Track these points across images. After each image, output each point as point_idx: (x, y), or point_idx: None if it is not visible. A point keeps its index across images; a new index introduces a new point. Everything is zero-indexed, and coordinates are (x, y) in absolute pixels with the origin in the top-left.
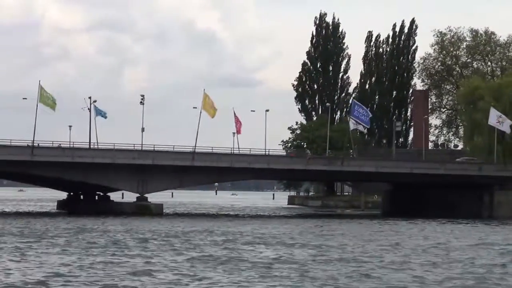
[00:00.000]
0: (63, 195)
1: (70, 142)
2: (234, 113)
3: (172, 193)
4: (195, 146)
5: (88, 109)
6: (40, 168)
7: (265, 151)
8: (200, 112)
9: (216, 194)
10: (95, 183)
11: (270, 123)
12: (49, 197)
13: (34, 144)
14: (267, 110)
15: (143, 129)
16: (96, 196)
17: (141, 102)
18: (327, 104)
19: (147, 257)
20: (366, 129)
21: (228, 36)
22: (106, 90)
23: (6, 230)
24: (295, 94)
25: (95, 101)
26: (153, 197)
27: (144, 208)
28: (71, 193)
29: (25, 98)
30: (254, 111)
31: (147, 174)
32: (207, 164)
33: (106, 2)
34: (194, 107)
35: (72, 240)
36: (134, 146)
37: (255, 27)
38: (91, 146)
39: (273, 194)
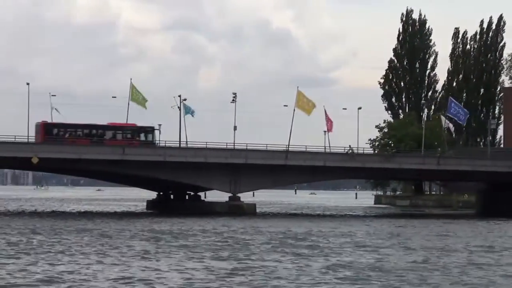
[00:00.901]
0: (143, 194)
1: (159, 140)
2: (325, 111)
3: (253, 192)
4: (289, 145)
5: (178, 107)
6: (132, 167)
7: (357, 150)
8: (294, 110)
9: (295, 193)
10: (187, 182)
11: (349, 121)
12: (133, 196)
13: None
14: (359, 108)
15: (235, 128)
16: (187, 196)
17: (233, 100)
18: (423, 101)
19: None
20: (454, 128)
21: (302, 35)
22: (181, 90)
23: (134, 232)
24: (371, 92)
25: (185, 99)
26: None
27: (237, 207)
28: (161, 193)
29: (114, 97)
30: (345, 109)
31: (240, 173)
32: (301, 163)
33: (181, 2)
34: (285, 105)
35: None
36: (226, 145)
37: (329, 26)
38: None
39: (356, 194)
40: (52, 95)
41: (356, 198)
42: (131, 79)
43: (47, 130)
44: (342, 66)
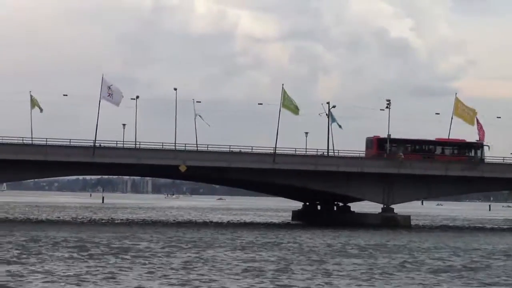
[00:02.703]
0: (269, 203)
1: (305, 149)
2: (477, 120)
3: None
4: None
5: (326, 114)
6: (282, 176)
7: None
8: (452, 118)
9: (422, 204)
10: (339, 193)
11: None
12: (264, 206)
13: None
14: None
15: (389, 136)
16: (335, 207)
17: (387, 106)
18: None
19: None
20: None
21: (421, 44)
22: (298, 98)
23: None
24: (494, 102)
25: (334, 107)
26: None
27: (391, 219)
28: (307, 203)
29: (260, 104)
30: (500, 117)
31: (394, 183)
32: (458, 174)
33: (299, 11)
34: (436, 113)
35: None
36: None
37: (448, 35)
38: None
39: (489, 206)
40: (197, 102)
41: (489, 210)
42: (283, 84)
43: (379, 145)
44: (460, 76)
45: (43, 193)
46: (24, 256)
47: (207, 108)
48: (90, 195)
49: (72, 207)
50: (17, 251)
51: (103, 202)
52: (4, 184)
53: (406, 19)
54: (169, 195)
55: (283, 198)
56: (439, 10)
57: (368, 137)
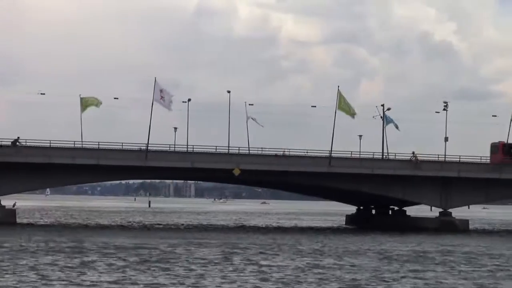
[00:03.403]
0: (315, 207)
1: (360, 152)
2: None
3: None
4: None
5: (381, 117)
6: (337, 180)
7: None
8: (511, 121)
9: (468, 208)
10: (395, 196)
11: None
12: (312, 210)
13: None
14: None
15: (446, 139)
16: (390, 211)
17: (444, 108)
18: None
19: None
20: None
21: (465, 48)
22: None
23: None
24: None
25: (388, 109)
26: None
27: (449, 224)
28: (361, 207)
29: (314, 106)
30: None
31: (451, 187)
32: None
33: (343, 15)
34: (493, 115)
35: None
36: (438, 157)
37: (492, 38)
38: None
39: None
40: (250, 104)
41: None
42: (338, 86)
43: (505, 150)
44: (506, 79)
45: (86, 197)
46: (99, 262)
47: (256, 111)
48: (135, 199)
49: (123, 212)
50: (89, 258)
51: (149, 206)
52: (48, 189)
53: (450, 22)
54: (216, 199)
55: (329, 202)
56: (484, 13)
57: (493, 143)
